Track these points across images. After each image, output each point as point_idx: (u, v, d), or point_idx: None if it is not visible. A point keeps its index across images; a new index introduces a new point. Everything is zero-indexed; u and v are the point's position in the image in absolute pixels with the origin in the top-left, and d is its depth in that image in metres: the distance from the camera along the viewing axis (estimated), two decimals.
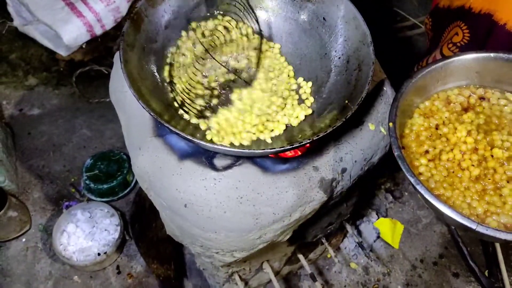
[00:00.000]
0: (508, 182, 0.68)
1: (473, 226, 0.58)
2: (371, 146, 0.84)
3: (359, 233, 1.29)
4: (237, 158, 0.76)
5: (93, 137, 1.47)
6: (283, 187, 0.76)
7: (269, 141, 0.78)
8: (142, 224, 1.25)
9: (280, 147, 0.68)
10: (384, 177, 1.41)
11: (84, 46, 1.65)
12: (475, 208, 0.66)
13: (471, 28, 0.97)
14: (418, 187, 0.63)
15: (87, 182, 1.29)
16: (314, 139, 0.69)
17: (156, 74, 0.81)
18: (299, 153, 0.81)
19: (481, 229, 0.58)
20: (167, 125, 0.68)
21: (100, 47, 1.64)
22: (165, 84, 0.82)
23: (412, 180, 0.63)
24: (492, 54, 0.76)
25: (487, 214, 0.65)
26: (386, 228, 1.31)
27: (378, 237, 1.29)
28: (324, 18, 0.87)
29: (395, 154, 0.67)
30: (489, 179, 0.68)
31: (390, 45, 1.73)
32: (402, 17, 1.90)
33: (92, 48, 1.65)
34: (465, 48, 0.99)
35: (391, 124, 0.69)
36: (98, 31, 1.62)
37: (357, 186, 0.94)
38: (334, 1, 0.85)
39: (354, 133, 0.83)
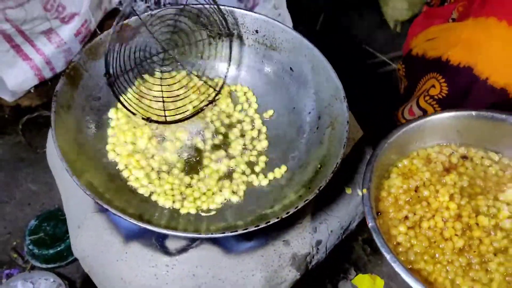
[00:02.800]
0: (495, 255, 0.62)
1: None
2: (349, 212, 0.75)
3: None
4: (194, 239, 0.65)
5: (39, 192, 1.32)
6: (249, 270, 0.65)
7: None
8: None
9: (243, 229, 0.57)
10: (360, 228, 1.32)
11: (32, 91, 1.52)
12: (459, 285, 0.59)
13: (450, 81, 0.91)
14: (395, 265, 0.56)
15: (31, 247, 1.14)
16: (283, 217, 0.59)
17: (95, 137, 0.70)
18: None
19: None
20: (106, 206, 0.57)
21: (50, 91, 1.51)
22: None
23: (388, 257, 0.57)
24: (473, 113, 0.71)
25: None
26: (365, 286, 1.21)
27: None
28: (291, 68, 0.79)
29: (369, 225, 0.61)
30: (474, 251, 0.62)
31: (361, 84, 1.67)
32: (372, 54, 1.87)
33: (41, 92, 1.52)
34: (443, 102, 0.93)
35: (364, 190, 0.63)
36: (47, 74, 1.50)
37: (334, 253, 0.84)
38: (301, 50, 0.77)
39: (328, 199, 0.73)
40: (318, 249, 0.71)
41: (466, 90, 0.89)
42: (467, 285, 0.59)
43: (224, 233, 0.56)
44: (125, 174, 0.68)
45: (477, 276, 0.60)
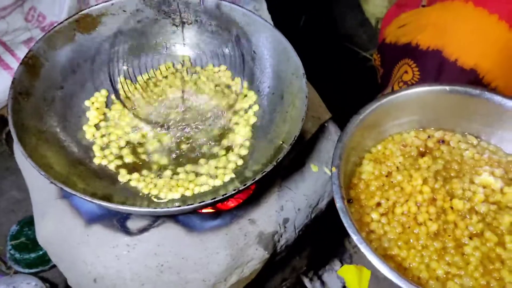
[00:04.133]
0: (470, 238, 0.59)
1: None
2: (316, 190, 0.74)
3: (323, 284, 1.17)
4: (156, 218, 0.65)
5: (23, 199, 1.32)
6: (213, 248, 0.64)
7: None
8: None
9: (199, 203, 0.57)
10: None
11: None
12: (434, 270, 0.57)
13: (421, 66, 0.91)
14: (363, 248, 0.53)
15: (12, 252, 1.14)
16: (240, 189, 0.58)
17: (57, 124, 0.70)
18: (232, 205, 0.70)
19: None
20: (60, 184, 0.56)
21: None
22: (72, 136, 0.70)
23: (355, 239, 0.54)
24: (447, 88, 0.68)
25: (448, 277, 0.56)
26: (352, 276, 1.18)
27: (344, 286, 1.17)
28: (254, 51, 0.79)
29: (337, 205, 0.57)
30: (449, 235, 0.59)
31: (342, 81, 1.68)
32: (354, 52, 1.88)
33: None
34: None
35: (334, 168, 0.59)
36: None
37: (307, 236, 0.83)
38: (263, 33, 0.77)
39: (294, 176, 0.73)
40: (285, 227, 0.71)
41: (437, 73, 0.89)
42: (442, 269, 0.57)
43: (179, 206, 0.56)
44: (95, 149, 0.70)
45: (452, 260, 0.58)
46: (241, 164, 0.70)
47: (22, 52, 1.45)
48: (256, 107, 0.77)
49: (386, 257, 0.58)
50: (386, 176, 0.65)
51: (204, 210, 0.67)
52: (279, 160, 0.61)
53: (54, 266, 1.18)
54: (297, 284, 1.04)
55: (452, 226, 0.60)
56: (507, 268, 0.56)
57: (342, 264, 1.20)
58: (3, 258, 1.20)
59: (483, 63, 0.83)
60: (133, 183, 0.66)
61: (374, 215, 0.61)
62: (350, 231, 0.54)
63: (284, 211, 0.71)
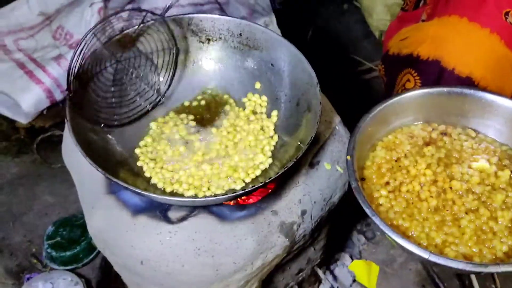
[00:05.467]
0: (466, 213, 0.68)
1: (425, 255, 0.58)
2: (329, 185, 0.84)
3: (334, 278, 1.25)
4: (193, 209, 0.75)
5: (55, 203, 1.42)
6: (241, 235, 0.74)
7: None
8: None
9: (224, 195, 0.67)
10: (354, 219, 1.40)
11: (45, 112, 1.64)
12: (433, 238, 0.66)
13: (422, 75, 1.00)
14: (373, 218, 0.63)
15: (49, 250, 1.24)
16: (266, 182, 0.68)
17: (105, 129, 0.80)
18: (257, 198, 0.80)
19: (433, 258, 0.57)
20: (115, 179, 0.67)
21: (62, 112, 1.63)
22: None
23: (368, 211, 0.64)
24: (445, 89, 0.78)
25: (446, 244, 0.65)
26: (361, 271, 1.28)
27: (354, 280, 1.26)
28: (272, 64, 0.89)
29: (352, 186, 0.67)
30: (448, 210, 0.68)
31: (349, 90, 1.77)
32: (359, 62, 1.97)
33: (53, 113, 1.64)
34: None
35: (348, 157, 0.70)
36: (58, 96, 1.62)
37: (322, 228, 0.92)
38: (279, 48, 0.87)
39: (310, 174, 0.83)
40: (303, 218, 0.80)
41: (437, 81, 0.98)
42: (440, 238, 0.65)
43: (214, 197, 0.66)
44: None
45: (450, 230, 0.66)
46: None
47: (52, 68, 1.56)
48: (275, 113, 0.87)
49: (392, 226, 0.66)
50: (396, 161, 0.74)
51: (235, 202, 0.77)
52: (298, 157, 0.71)
53: (88, 263, 1.28)
54: (312, 276, 1.13)
55: (450, 203, 0.69)
56: (498, 239, 0.64)
57: (353, 260, 1.28)
58: (39, 257, 1.30)
59: (477, 71, 0.92)
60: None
61: (383, 192, 0.71)
62: (364, 205, 0.64)
63: (302, 204, 0.80)
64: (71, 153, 0.85)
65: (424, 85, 1.01)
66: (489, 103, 0.76)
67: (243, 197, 0.81)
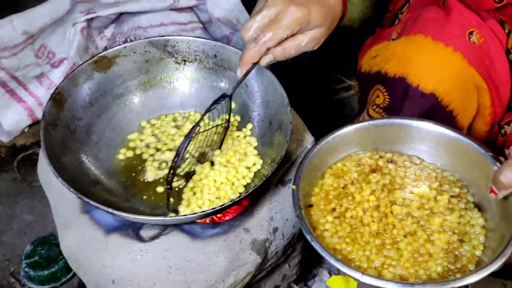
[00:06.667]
0: (405, 236, 0.71)
1: (357, 276, 0.61)
2: None
3: None
4: (165, 227, 0.76)
5: (34, 221, 1.42)
6: (213, 252, 0.75)
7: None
8: None
9: (192, 214, 0.69)
10: None
11: (26, 130, 1.64)
12: (373, 261, 0.68)
13: (389, 91, 1.03)
14: (312, 243, 0.65)
15: (27, 270, 1.23)
16: (235, 200, 0.70)
17: (79, 150, 0.82)
18: (233, 215, 0.82)
19: (365, 279, 0.60)
20: (86, 199, 0.68)
21: None
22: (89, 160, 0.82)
23: (308, 237, 0.66)
24: (371, 122, 0.82)
25: (384, 267, 0.67)
26: (339, 286, 1.29)
27: None
28: (246, 85, 0.92)
29: (296, 213, 0.69)
30: (387, 234, 0.71)
31: (328, 107, 1.81)
32: (340, 80, 2.01)
33: (35, 131, 1.64)
34: (387, 109, 1.04)
35: (294, 187, 0.72)
36: (40, 114, 1.63)
37: (295, 245, 0.94)
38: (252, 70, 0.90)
39: (282, 191, 0.85)
40: (275, 235, 0.82)
41: (403, 96, 1.01)
42: (379, 261, 0.68)
43: (184, 216, 0.68)
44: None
45: (389, 253, 0.69)
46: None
47: (34, 87, 1.57)
48: (248, 132, 0.89)
49: (335, 251, 0.70)
50: (343, 188, 0.77)
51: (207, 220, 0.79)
52: (267, 176, 0.73)
53: (66, 282, 1.28)
54: None
55: (391, 227, 0.72)
56: (434, 260, 0.67)
57: (331, 275, 1.29)
58: (17, 276, 1.30)
59: (440, 88, 0.95)
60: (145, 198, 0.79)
61: (329, 218, 0.73)
62: (304, 232, 0.67)
63: (274, 221, 0.82)
64: (47, 172, 0.86)
65: (391, 100, 1.03)
66: (417, 130, 0.80)
67: (218, 215, 0.82)
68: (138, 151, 0.88)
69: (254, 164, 0.84)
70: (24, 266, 1.24)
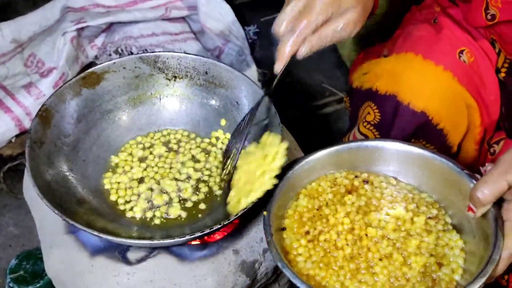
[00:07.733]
0: (380, 260, 0.69)
1: None
2: None
3: None
4: (152, 249, 0.74)
5: (20, 234, 1.40)
6: (201, 275, 0.74)
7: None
8: None
9: (181, 237, 0.67)
10: None
11: (13, 140, 1.62)
12: (347, 286, 0.66)
13: (380, 108, 1.03)
14: (284, 270, 0.64)
15: (11, 285, 1.21)
16: (225, 223, 0.69)
17: (65, 168, 0.80)
18: (223, 234, 0.80)
19: None
20: (72, 221, 0.66)
21: None
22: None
23: (279, 264, 0.64)
24: (346, 145, 0.80)
25: None
26: None
27: None
28: (237, 102, 0.91)
29: (266, 240, 0.68)
30: (362, 257, 0.69)
31: (319, 119, 1.81)
32: (331, 92, 2.00)
33: (22, 141, 1.62)
34: (378, 126, 1.04)
35: (265, 213, 0.71)
36: (28, 124, 1.61)
37: None
38: (243, 86, 0.89)
39: None
40: (265, 256, 0.81)
41: (393, 114, 1.01)
42: (354, 286, 0.66)
43: (173, 238, 0.66)
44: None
45: (363, 278, 0.66)
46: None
47: (22, 96, 1.55)
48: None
49: (308, 276, 0.67)
50: (317, 209, 0.75)
51: (194, 242, 0.78)
52: (257, 200, 0.72)
53: None
54: None
55: (365, 250, 0.69)
56: (411, 284, 0.65)
57: None
58: None
59: (430, 107, 0.95)
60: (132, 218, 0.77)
61: (303, 241, 0.71)
62: (275, 259, 0.65)
63: (264, 243, 0.81)
64: (32, 191, 0.84)
65: (382, 118, 1.03)
66: (391, 151, 0.79)
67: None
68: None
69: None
70: (9, 281, 1.22)
